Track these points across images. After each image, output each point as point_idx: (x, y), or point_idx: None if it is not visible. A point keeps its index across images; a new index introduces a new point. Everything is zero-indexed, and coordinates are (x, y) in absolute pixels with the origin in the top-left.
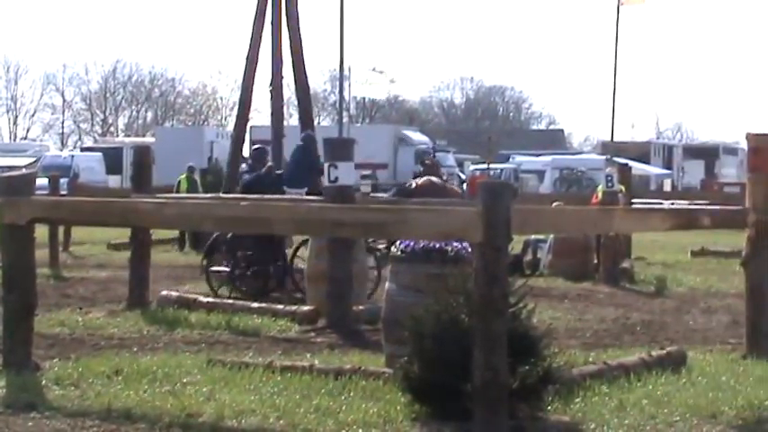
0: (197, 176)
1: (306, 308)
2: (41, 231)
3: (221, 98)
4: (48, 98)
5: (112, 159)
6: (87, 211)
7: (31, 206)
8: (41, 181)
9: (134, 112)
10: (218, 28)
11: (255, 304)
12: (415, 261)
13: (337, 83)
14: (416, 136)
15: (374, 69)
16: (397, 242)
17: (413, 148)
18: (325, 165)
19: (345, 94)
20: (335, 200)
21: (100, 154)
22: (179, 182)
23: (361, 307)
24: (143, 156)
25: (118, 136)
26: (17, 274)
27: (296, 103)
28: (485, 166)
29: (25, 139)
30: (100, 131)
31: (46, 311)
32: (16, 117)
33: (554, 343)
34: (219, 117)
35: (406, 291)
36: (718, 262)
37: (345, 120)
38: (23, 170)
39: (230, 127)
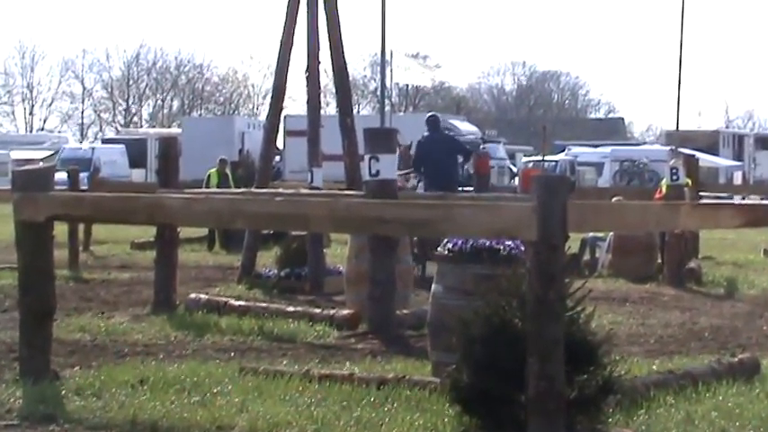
0: (228, 170)
1: (345, 312)
2: (60, 229)
3: (253, 85)
4: (66, 86)
5: (136, 152)
6: (109, 207)
7: (49, 202)
8: (60, 175)
9: (159, 101)
10: (249, 9)
11: (291, 308)
12: (463, 261)
13: (378, 69)
14: (464, 126)
15: (418, 54)
16: (444, 240)
17: (460, 139)
18: (366, 157)
19: (387, 80)
20: (377, 195)
21: (123, 146)
22: (208, 176)
23: (404, 311)
24: (169, 148)
25: (142, 127)
26: (34, 276)
27: (333, 90)
28: (538, 158)
29: (42, 130)
30: (122, 122)
31: (65, 316)
32: (32, 106)
33: (615, 350)
34: (251, 106)
35: (453, 293)
36: None
37: (387, 108)
38: (41, 164)
39: (263, 116)
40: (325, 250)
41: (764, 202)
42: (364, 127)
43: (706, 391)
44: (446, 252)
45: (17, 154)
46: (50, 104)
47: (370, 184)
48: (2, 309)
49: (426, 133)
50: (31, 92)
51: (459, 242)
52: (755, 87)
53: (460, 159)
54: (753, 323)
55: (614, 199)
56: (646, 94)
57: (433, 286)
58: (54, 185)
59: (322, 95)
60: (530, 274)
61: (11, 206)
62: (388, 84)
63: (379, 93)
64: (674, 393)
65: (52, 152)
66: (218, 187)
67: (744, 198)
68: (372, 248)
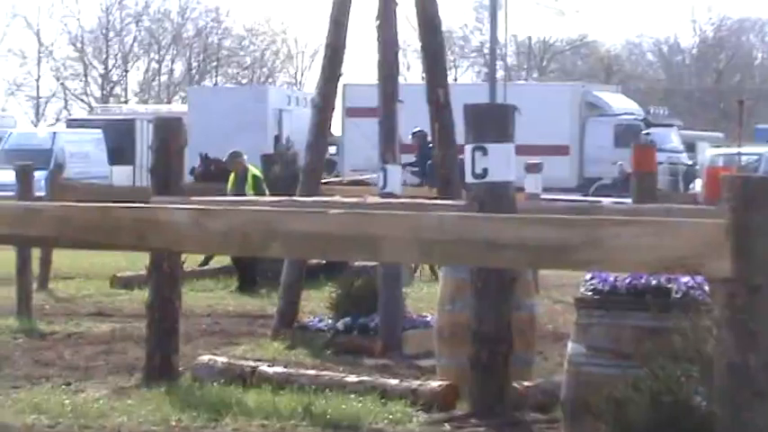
0: (251, 168)
1: (436, 383)
2: (5, 258)
3: (296, 41)
4: (13, 40)
5: (119, 140)
6: (79, 224)
7: None
8: (4, 175)
9: (153, 64)
10: None
11: (353, 377)
12: (616, 307)
13: (485, 17)
14: (616, 100)
15: None
16: (587, 276)
17: (611, 121)
18: (468, 148)
19: (500, 33)
20: (485, 206)
21: (99, 131)
22: (254, 177)
23: (526, 383)
24: (170, 133)
25: (127, 102)
26: None
27: (418, 48)
28: (732, 150)
29: None
30: (98, 95)
31: (12, 388)
32: None
33: None
34: (293, 71)
35: (601, 355)
36: None
37: (500, 75)
38: None
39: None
40: (404, 290)
41: None
42: (465, 103)
43: None
44: (589, 293)
45: None
46: None
47: (474, 189)
48: None
49: None
50: None
51: (610, 279)
52: None
53: None
54: None
55: None
56: None
57: (569, 345)
58: None
59: (401, 55)
60: (719, 329)
61: None
62: (501, 38)
63: (487, 51)
64: None
65: None
66: (234, 195)
67: None
68: (478, 288)
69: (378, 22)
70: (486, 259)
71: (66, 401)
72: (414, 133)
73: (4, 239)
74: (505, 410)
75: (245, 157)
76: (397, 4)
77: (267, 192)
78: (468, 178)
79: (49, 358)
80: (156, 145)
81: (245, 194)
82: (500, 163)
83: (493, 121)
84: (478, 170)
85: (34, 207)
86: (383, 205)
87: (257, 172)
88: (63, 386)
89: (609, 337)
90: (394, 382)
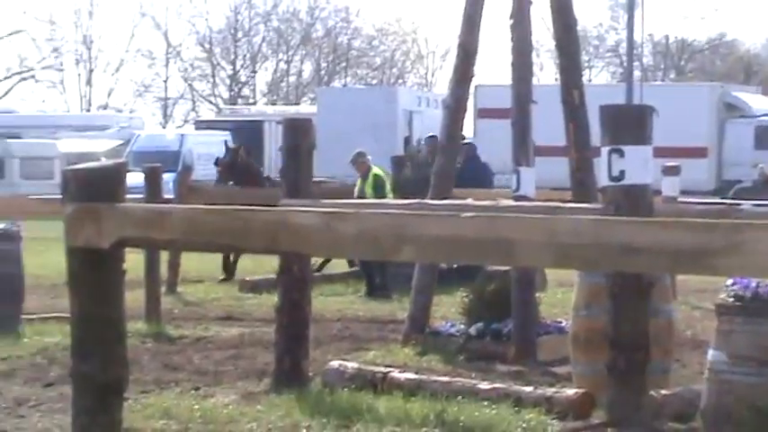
0: (375, 170)
1: (572, 391)
2: (133, 262)
3: (426, 41)
4: (141, 40)
5: (247, 141)
6: (208, 227)
7: (117, 219)
8: (132, 177)
9: (282, 65)
10: None
11: (486, 384)
12: (758, 314)
13: (620, 16)
14: (757, 101)
15: None
16: (727, 281)
17: (751, 122)
18: (604, 150)
19: (636, 32)
20: (621, 209)
21: (226, 133)
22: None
23: (664, 391)
24: (299, 135)
25: (255, 103)
26: (95, 332)
27: (552, 47)
28: None
29: (105, 108)
30: (226, 95)
31: (140, 393)
32: (91, 72)
33: None
34: (423, 71)
35: (743, 363)
36: None
37: (636, 75)
38: (103, 159)
39: (440, 88)
40: (538, 295)
41: None
42: (600, 104)
43: None
44: (730, 299)
45: (68, 144)
46: (117, 69)
47: (610, 192)
48: (45, 382)
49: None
50: (89, 50)
51: (752, 284)
52: None
53: None
54: None
55: None
56: None
57: (709, 353)
58: (125, 193)
59: (534, 56)
60: None
61: (60, 224)
62: (637, 36)
63: (622, 50)
64: None
65: (120, 142)
66: (375, 196)
67: None
68: (614, 294)
69: (511, 21)
70: (622, 264)
71: (196, 406)
72: (428, 138)
73: (132, 242)
74: (643, 420)
75: (369, 158)
76: (531, 3)
77: (388, 192)
78: (605, 181)
79: (177, 363)
80: (286, 146)
81: (382, 195)
82: (637, 165)
83: (630, 123)
84: (615, 173)
85: (163, 209)
86: (516, 208)
87: (380, 171)
88: (192, 391)
89: (752, 344)
90: (528, 389)
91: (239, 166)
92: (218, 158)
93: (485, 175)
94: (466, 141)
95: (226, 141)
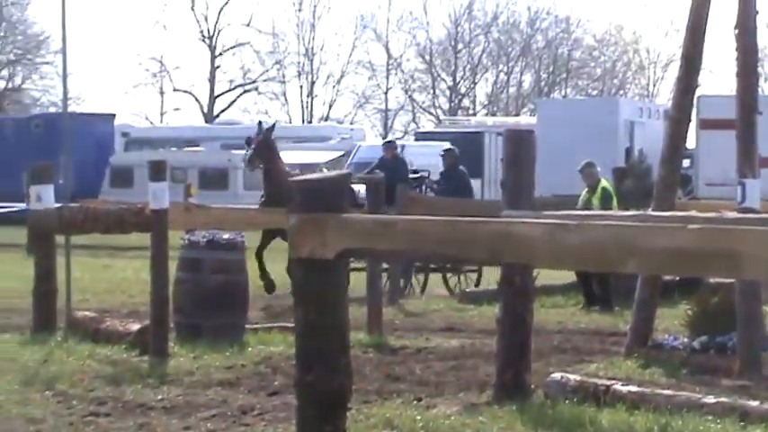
0: (608, 182)
1: None
2: (357, 278)
3: (647, 51)
4: (362, 53)
5: (467, 152)
6: (432, 238)
7: (342, 229)
8: (358, 188)
9: (502, 75)
10: None
11: (711, 398)
12: None
13: None
14: None
15: None
16: None
17: None
18: None
19: None
20: None
21: (447, 144)
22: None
23: None
24: (520, 146)
25: (475, 114)
26: (319, 342)
27: None
28: None
29: (326, 119)
30: (446, 107)
31: (363, 403)
32: (313, 84)
33: None
34: (644, 82)
35: None
36: None
37: None
38: (324, 170)
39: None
40: (765, 308)
41: None
42: None
43: None
44: None
45: (292, 155)
46: (339, 81)
47: None
48: (270, 391)
49: None
50: (311, 62)
51: None
52: None
53: None
54: None
55: None
56: None
57: None
58: (350, 204)
59: (760, 65)
60: None
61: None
62: None
63: None
64: None
65: (341, 153)
66: (584, 208)
67: None
68: None
69: (737, 30)
70: None
71: (418, 417)
72: (445, 151)
73: (356, 252)
74: None
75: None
76: (758, 11)
77: (615, 207)
78: None
79: (399, 373)
80: (508, 157)
81: (610, 206)
82: None
83: None
84: None
85: (387, 221)
86: (742, 220)
87: (608, 185)
88: (414, 401)
89: None
90: (754, 403)
91: (271, 145)
92: (248, 138)
93: (466, 186)
94: (447, 148)
95: (444, 152)
